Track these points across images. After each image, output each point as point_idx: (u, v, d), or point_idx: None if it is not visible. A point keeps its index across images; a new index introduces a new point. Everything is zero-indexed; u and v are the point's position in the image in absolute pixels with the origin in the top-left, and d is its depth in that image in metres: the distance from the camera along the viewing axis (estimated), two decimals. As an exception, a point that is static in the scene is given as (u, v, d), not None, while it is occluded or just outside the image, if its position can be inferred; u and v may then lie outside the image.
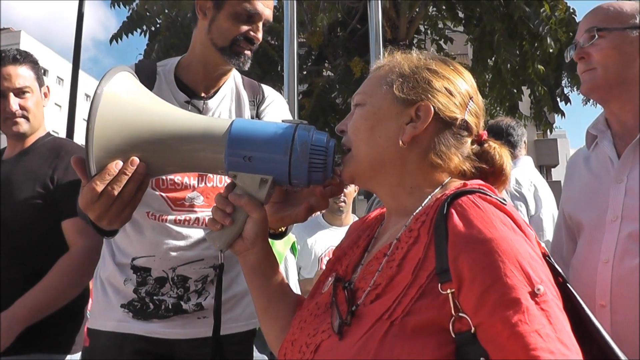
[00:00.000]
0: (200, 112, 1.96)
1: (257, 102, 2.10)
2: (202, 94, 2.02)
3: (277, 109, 2.12)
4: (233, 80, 2.11)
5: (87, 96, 48.71)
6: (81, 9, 8.92)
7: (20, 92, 2.49)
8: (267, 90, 2.17)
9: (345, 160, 1.26)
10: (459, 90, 1.23)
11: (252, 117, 2.04)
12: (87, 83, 41.79)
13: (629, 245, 1.70)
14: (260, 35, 1.97)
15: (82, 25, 8.78)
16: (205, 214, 1.94)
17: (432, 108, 1.18)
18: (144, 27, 8.91)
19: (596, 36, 1.82)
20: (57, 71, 47.78)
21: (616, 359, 1.04)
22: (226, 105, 2.04)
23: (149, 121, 1.25)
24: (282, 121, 1.29)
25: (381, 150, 1.21)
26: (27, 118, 2.50)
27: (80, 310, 2.48)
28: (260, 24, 1.96)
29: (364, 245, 1.29)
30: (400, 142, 1.18)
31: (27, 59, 2.55)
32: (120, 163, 1.22)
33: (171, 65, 2.05)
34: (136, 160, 1.23)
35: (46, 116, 2.66)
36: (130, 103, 1.25)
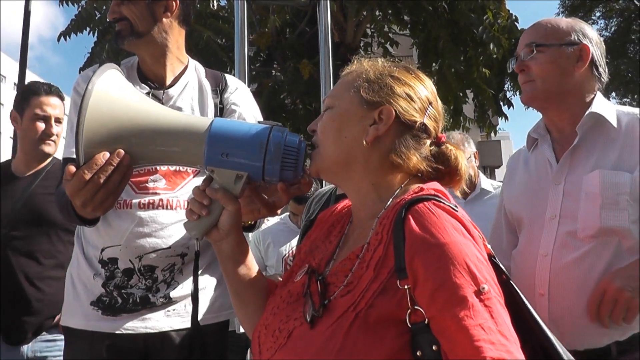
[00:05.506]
0: (160, 101, 2.03)
1: (220, 90, 2.17)
2: (164, 85, 2.10)
3: (241, 96, 2.20)
4: (194, 70, 2.19)
5: (31, 94, 46.91)
6: (27, 6, 8.67)
7: (57, 120, 2.96)
8: (230, 79, 2.24)
9: (313, 156, 1.36)
10: (419, 96, 1.34)
11: (215, 105, 2.13)
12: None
13: (567, 241, 1.85)
14: (111, 15, 2.04)
15: (29, 24, 8.55)
16: (168, 195, 1.98)
17: (393, 111, 1.29)
18: (92, 26, 8.75)
19: (535, 51, 1.96)
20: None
21: (552, 347, 1.19)
22: (188, 94, 2.11)
23: (135, 116, 1.35)
24: (259, 122, 1.38)
25: (347, 149, 1.31)
26: (55, 142, 2.95)
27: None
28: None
29: (336, 242, 1.40)
30: (364, 142, 1.29)
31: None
32: (107, 154, 1.32)
33: (134, 61, 2.14)
34: (122, 152, 1.33)
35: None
36: (118, 99, 1.35)
